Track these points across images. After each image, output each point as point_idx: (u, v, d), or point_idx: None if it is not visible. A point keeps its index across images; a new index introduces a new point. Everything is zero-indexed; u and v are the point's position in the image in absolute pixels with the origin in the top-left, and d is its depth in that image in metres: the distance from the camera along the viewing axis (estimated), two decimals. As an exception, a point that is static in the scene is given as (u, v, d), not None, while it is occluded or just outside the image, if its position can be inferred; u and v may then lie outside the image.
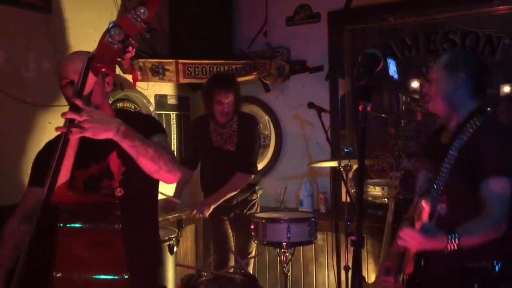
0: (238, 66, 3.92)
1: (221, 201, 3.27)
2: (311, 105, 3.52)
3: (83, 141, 1.74)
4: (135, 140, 1.68)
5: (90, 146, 1.77)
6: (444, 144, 1.92)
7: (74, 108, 1.58)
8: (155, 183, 2.00)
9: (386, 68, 3.73)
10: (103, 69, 1.63)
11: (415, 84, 3.97)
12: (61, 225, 1.51)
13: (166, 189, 4.11)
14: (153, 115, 3.94)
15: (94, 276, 1.50)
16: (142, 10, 1.61)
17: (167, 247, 2.93)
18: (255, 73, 3.97)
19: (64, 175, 1.63)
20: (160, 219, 3.75)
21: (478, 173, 1.77)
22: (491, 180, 1.75)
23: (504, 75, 3.50)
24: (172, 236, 2.96)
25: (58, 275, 1.44)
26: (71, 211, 1.56)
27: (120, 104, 3.72)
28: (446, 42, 3.55)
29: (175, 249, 2.97)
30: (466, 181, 1.80)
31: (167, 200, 3.41)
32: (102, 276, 1.51)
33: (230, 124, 3.36)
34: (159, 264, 2.69)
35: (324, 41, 3.92)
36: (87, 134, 1.58)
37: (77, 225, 1.55)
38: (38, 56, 3.13)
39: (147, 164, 1.72)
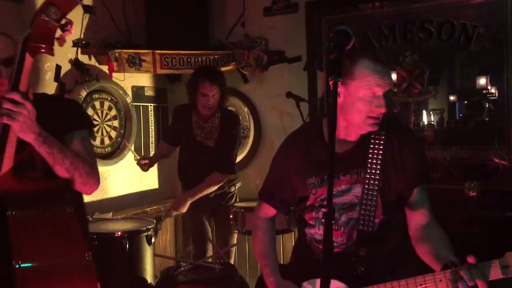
0: (216, 56, 3.89)
1: (197, 197, 3.25)
2: (289, 94, 3.52)
3: None
4: (54, 148, 1.61)
5: None
6: (342, 152, 1.82)
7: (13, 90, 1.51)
8: None
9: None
10: (43, 50, 1.57)
11: (393, 76, 3.99)
12: (13, 213, 1.46)
13: (147, 178, 4.11)
14: (130, 106, 3.90)
15: (56, 261, 1.46)
16: None
17: (145, 238, 2.90)
18: (233, 63, 3.94)
19: (7, 164, 1.56)
20: (138, 211, 3.77)
21: (410, 181, 1.78)
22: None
23: (480, 67, 3.52)
24: (150, 227, 2.93)
25: (19, 265, 1.39)
26: (20, 199, 1.51)
27: (95, 95, 3.67)
28: (422, 32, 3.58)
29: (153, 239, 2.93)
30: (396, 191, 1.78)
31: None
32: (65, 261, 1.48)
33: (212, 120, 3.33)
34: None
35: (302, 31, 3.91)
36: (15, 127, 1.50)
37: (29, 211, 1.50)
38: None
39: (62, 173, 1.66)
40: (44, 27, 1.55)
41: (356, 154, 1.79)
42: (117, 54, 3.59)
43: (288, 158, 1.92)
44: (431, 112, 3.65)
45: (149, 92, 4.19)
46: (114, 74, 3.65)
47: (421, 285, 1.52)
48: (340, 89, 1.72)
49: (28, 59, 1.56)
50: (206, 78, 3.20)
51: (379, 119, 1.73)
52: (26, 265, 1.39)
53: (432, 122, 3.63)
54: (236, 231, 3.31)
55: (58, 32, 1.62)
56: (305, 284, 1.73)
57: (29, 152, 1.71)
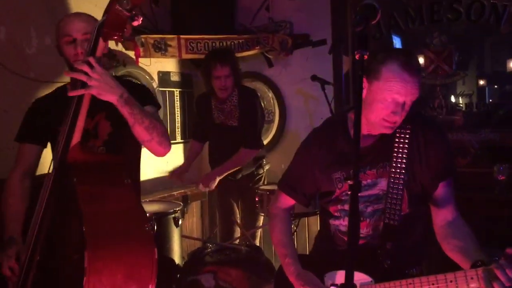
0: (240, 41, 3.90)
1: (225, 174, 3.27)
2: (314, 77, 3.50)
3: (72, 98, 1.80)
4: (135, 108, 1.74)
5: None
6: (368, 146, 1.80)
7: (86, 64, 1.65)
8: (139, 149, 2.10)
9: (391, 44, 3.70)
10: (114, 37, 1.71)
11: (420, 59, 3.92)
12: (79, 180, 1.61)
13: (174, 161, 4.16)
14: (156, 92, 3.94)
15: (121, 225, 1.61)
16: None
17: (172, 220, 2.95)
18: (258, 47, 3.94)
19: (77, 136, 1.68)
20: (165, 194, 3.82)
21: (436, 174, 1.77)
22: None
23: (511, 49, 3.42)
24: (177, 209, 2.98)
25: (88, 229, 1.52)
26: (86, 168, 1.64)
27: (123, 81, 3.72)
28: (450, 12, 3.50)
29: (180, 221, 2.98)
30: (422, 185, 1.77)
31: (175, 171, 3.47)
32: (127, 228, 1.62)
33: (230, 99, 3.34)
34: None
35: (327, 14, 3.88)
36: (93, 92, 1.65)
37: (93, 180, 1.64)
38: (40, 32, 3.13)
39: (142, 133, 1.78)
40: (117, 16, 1.67)
41: (382, 148, 1.78)
42: (143, 40, 3.63)
43: (311, 153, 1.92)
44: (459, 95, 3.58)
45: (174, 78, 4.23)
46: (140, 60, 3.70)
47: (451, 281, 1.49)
48: (365, 84, 1.72)
49: (101, 43, 1.71)
50: (216, 60, 3.21)
51: (395, 124, 1.71)
52: (93, 229, 1.51)
53: (461, 105, 3.56)
54: (262, 214, 3.33)
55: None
56: (327, 275, 1.75)
57: (96, 122, 1.92)
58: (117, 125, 1.91)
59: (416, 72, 1.66)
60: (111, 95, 1.67)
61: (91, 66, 1.64)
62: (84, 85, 1.63)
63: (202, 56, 3.85)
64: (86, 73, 1.63)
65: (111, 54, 3.55)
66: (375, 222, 1.77)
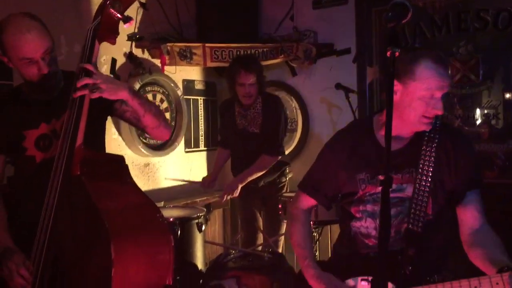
0: (264, 49, 3.93)
1: (247, 181, 3.28)
2: (338, 86, 3.50)
3: (33, 101, 1.88)
4: (142, 98, 1.89)
5: (40, 106, 1.88)
6: (395, 151, 1.76)
7: (85, 74, 1.69)
8: (103, 134, 2.09)
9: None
10: (108, 38, 1.77)
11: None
12: (89, 180, 1.64)
13: (196, 169, 4.19)
14: (181, 99, 3.99)
15: (137, 216, 1.68)
16: None
17: (195, 225, 2.95)
18: (282, 56, 3.96)
19: (80, 137, 1.71)
20: (188, 201, 3.84)
21: (463, 183, 1.76)
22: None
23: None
24: (200, 214, 2.98)
25: (109, 224, 1.56)
26: (92, 169, 1.68)
27: (148, 88, 3.78)
28: (477, 21, 3.47)
29: (203, 227, 2.99)
30: (447, 193, 1.76)
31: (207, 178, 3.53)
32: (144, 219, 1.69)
33: (254, 106, 3.35)
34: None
35: (352, 23, 3.88)
36: (105, 95, 1.72)
37: (102, 176, 1.68)
38: (69, 39, 3.21)
39: (151, 120, 1.91)
40: (111, 18, 1.75)
41: (409, 154, 1.77)
42: (169, 48, 3.69)
43: (335, 154, 1.92)
44: (485, 106, 3.52)
45: (199, 86, 4.28)
46: (165, 68, 3.76)
47: (475, 287, 1.46)
48: (398, 87, 1.72)
49: (97, 46, 1.77)
50: (241, 67, 3.22)
51: (433, 119, 1.72)
52: (114, 224, 1.56)
53: (488, 115, 3.50)
54: (285, 221, 3.31)
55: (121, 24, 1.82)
56: (347, 282, 1.74)
57: (62, 122, 1.86)
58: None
59: (447, 65, 1.71)
60: (122, 92, 1.77)
61: (91, 73, 1.69)
62: (93, 89, 1.68)
63: (227, 65, 3.88)
64: (91, 76, 1.68)
65: (138, 61, 3.62)
66: (398, 224, 1.76)
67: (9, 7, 2.84)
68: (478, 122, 3.52)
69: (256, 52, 3.91)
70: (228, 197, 3.31)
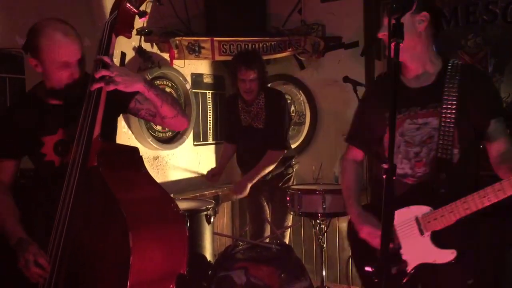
0: (273, 43, 3.94)
1: (256, 179, 3.30)
2: (346, 79, 3.50)
3: (49, 106, 1.90)
4: (158, 88, 1.89)
5: (57, 111, 1.90)
6: (418, 88, 1.91)
7: (102, 65, 1.71)
8: (115, 138, 2.13)
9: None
10: (124, 32, 1.80)
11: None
12: (106, 168, 1.68)
13: (205, 162, 4.22)
14: (189, 93, 4.02)
15: (154, 207, 1.72)
16: None
17: (204, 217, 2.99)
18: (290, 49, 3.97)
19: (97, 129, 1.74)
20: (197, 194, 3.88)
21: (487, 112, 1.85)
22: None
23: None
24: (209, 206, 3.02)
25: (126, 214, 1.59)
26: (109, 157, 1.71)
27: (157, 82, 3.81)
28: (486, 14, 3.45)
29: (212, 219, 3.02)
30: (472, 122, 1.86)
31: (209, 173, 3.51)
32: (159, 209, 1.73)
33: (257, 102, 3.36)
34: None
35: (360, 16, 3.88)
36: (120, 87, 1.72)
37: (117, 167, 1.71)
38: (80, 33, 3.22)
39: (169, 110, 1.92)
40: (127, 13, 1.78)
41: (433, 90, 1.89)
42: (177, 42, 3.71)
43: (368, 101, 2.14)
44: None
45: (207, 80, 4.30)
46: (174, 61, 3.78)
47: (499, 190, 1.65)
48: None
49: (113, 39, 1.80)
50: (242, 64, 3.24)
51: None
52: (132, 213, 1.60)
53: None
54: (292, 213, 3.34)
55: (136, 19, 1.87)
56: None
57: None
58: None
59: None
60: (137, 84, 1.78)
61: (108, 65, 1.71)
62: (109, 81, 1.70)
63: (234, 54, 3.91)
64: (107, 68, 1.70)
65: (147, 55, 3.65)
66: (431, 161, 1.87)
67: (18, 3, 2.90)
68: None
69: (264, 45, 3.92)
70: (238, 197, 3.34)
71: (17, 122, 1.94)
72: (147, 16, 1.84)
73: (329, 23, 4.03)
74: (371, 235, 1.91)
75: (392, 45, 1.24)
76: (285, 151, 3.39)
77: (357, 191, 2.13)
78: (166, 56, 3.79)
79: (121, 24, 1.79)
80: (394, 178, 1.27)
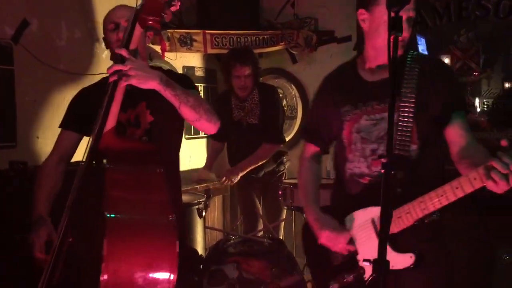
0: (265, 36, 3.92)
1: (248, 169, 3.29)
2: (339, 73, 3.50)
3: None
4: (177, 89, 1.74)
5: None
6: (375, 81, 1.81)
7: (119, 59, 1.64)
8: (180, 138, 2.11)
9: (415, 45, 3.67)
10: (150, 22, 1.68)
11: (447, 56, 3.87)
12: (110, 166, 1.61)
13: (197, 156, 4.20)
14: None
15: (142, 216, 1.57)
16: None
17: (196, 211, 2.98)
18: (283, 43, 3.96)
19: (111, 122, 1.68)
20: (188, 187, 3.85)
21: (448, 105, 1.77)
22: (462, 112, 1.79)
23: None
24: (201, 200, 3.01)
25: (109, 215, 1.50)
26: (118, 155, 1.65)
27: (149, 75, 3.77)
28: (479, 9, 3.46)
29: (203, 213, 3.01)
30: (432, 115, 1.77)
31: (201, 171, 3.50)
32: (149, 217, 1.57)
33: (251, 97, 3.36)
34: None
35: (353, 10, 3.86)
36: (133, 82, 1.63)
37: (123, 167, 1.63)
38: (70, 25, 3.20)
39: (189, 112, 1.78)
40: (154, 2, 1.66)
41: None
42: (169, 34, 3.68)
43: (323, 96, 2.00)
44: (484, 95, 3.53)
45: (199, 73, 4.27)
46: (166, 54, 3.74)
47: (457, 188, 1.54)
48: (365, 15, 1.76)
49: (138, 29, 1.69)
50: (236, 60, 3.23)
51: (404, 42, 1.72)
52: (115, 215, 1.50)
53: (487, 104, 3.51)
54: (285, 207, 3.34)
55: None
56: (347, 218, 1.80)
57: (138, 111, 1.91)
58: (157, 114, 1.90)
59: None
60: (152, 81, 1.66)
61: (122, 60, 1.63)
62: (122, 76, 1.63)
63: (227, 51, 3.88)
64: (123, 62, 1.63)
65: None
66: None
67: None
68: (478, 110, 3.53)
69: (257, 39, 3.90)
70: (226, 182, 3.33)
71: (86, 100, 1.99)
72: (177, 4, 1.69)
73: (322, 17, 4.03)
74: (331, 240, 1.80)
75: (391, 39, 1.23)
76: (281, 145, 3.39)
77: (314, 191, 2.00)
78: (157, 48, 3.74)
79: (146, 13, 1.66)
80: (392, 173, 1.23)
